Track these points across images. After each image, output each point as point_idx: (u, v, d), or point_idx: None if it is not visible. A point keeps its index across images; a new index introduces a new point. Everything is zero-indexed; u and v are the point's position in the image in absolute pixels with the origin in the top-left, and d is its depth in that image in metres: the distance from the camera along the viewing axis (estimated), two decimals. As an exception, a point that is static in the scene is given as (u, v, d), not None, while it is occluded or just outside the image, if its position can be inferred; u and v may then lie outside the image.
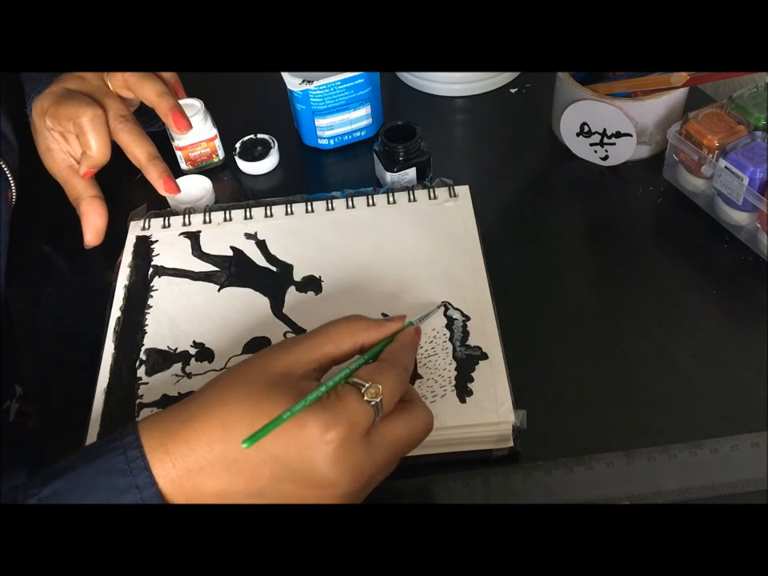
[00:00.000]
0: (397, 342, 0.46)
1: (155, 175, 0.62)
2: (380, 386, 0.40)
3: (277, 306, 0.57)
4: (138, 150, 0.62)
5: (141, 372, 0.53)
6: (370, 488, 0.41)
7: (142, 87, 0.62)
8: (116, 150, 0.62)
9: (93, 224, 0.63)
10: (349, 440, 0.38)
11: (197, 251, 0.61)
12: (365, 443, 0.39)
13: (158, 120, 0.69)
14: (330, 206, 0.63)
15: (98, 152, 0.60)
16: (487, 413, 0.49)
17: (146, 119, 0.66)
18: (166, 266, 0.60)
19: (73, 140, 0.62)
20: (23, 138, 0.65)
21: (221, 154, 0.71)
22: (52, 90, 0.61)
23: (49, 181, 0.65)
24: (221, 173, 0.71)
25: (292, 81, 0.68)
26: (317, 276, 0.58)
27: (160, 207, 0.66)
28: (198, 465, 0.38)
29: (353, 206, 0.63)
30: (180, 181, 0.67)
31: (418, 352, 0.53)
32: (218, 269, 0.60)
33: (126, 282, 0.59)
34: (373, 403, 0.39)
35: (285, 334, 0.55)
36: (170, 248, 0.62)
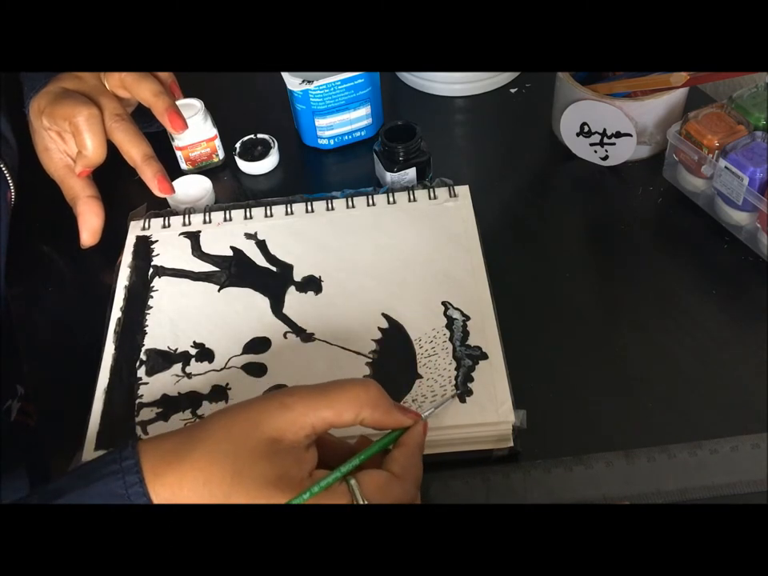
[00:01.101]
0: (407, 449, 0.42)
1: (150, 175, 0.62)
2: (363, 485, 0.38)
3: (277, 306, 0.57)
4: (134, 150, 0.61)
5: (141, 372, 0.53)
6: None
7: (139, 87, 0.62)
8: (116, 150, 0.62)
9: (89, 224, 0.63)
10: None
11: (197, 251, 0.61)
12: None
13: (156, 121, 0.69)
14: (329, 206, 0.63)
15: (93, 151, 0.60)
16: (487, 413, 0.49)
17: (146, 119, 0.66)
18: (166, 266, 0.60)
19: (70, 139, 0.62)
20: (22, 138, 0.65)
21: (221, 154, 0.71)
22: (49, 89, 0.61)
23: (49, 181, 0.65)
24: (221, 173, 0.71)
25: (292, 81, 0.68)
26: (317, 276, 0.58)
27: (160, 207, 0.66)
28: (187, 499, 0.38)
29: (353, 206, 0.63)
30: (180, 181, 0.67)
31: (418, 352, 0.53)
32: (218, 269, 0.60)
33: (126, 283, 0.59)
34: (356, 499, 0.38)
35: (285, 334, 0.55)
36: (170, 248, 0.62)
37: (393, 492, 0.39)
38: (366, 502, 0.38)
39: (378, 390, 0.42)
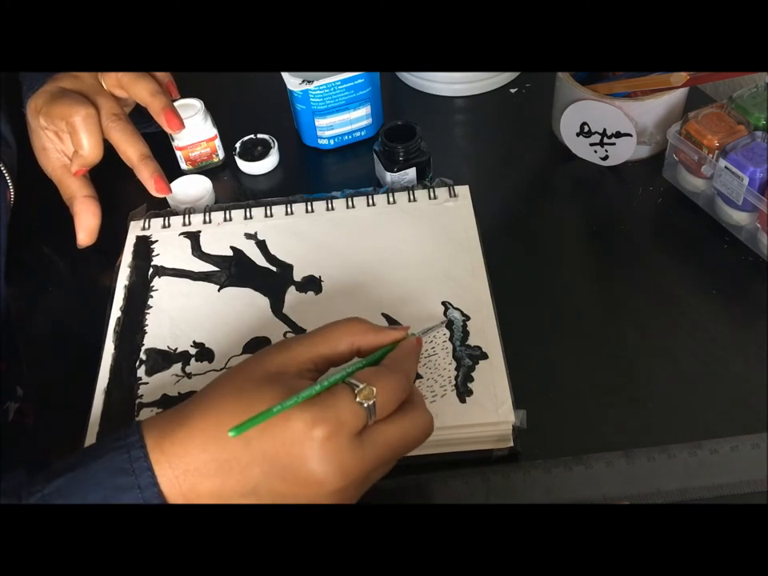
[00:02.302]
0: (400, 350, 0.44)
1: (146, 175, 0.62)
2: (374, 389, 0.39)
3: (277, 306, 0.57)
4: (130, 150, 0.61)
5: (141, 372, 0.53)
6: (364, 488, 0.41)
7: (135, 86, 0.62)
8: (115, 150, 0.62)
9: (86, 223, 0.63)
10: (336, 438, 0.37)
11: (197, 251, 0.61)
12: (355, 443, 0.38)
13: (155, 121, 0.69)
14: (329, 206, 0.63)
15: (89, 151, 0.60)
16: (487, 413, 0.49)
17: (145, 120, 0.66)
18: (166, 266, 0.60)
19: (67, 139, 0.62)
20: (22, 138, 0.65)
21: (221, 154, 0.71)
22: (46, 89, 0.61)
23: (48, 181, 0.65)
24: (221, 173, 0.71)
25: (292, 81, 0.68)
26: (317, 276, 0.58)
27: (160, 207, 0.66)
28: (192, 465, 0.38)
29: (353, 206, 0.63)
30: (180, 181, 0.67)
31: (418, 352, 0.53)
32: (218, 269, 0.60)
33: (126, 282, 0.59)
34: (365, 405, 0.39)
35: (285, 334, 0.55)
36: (170, 248, 0.62)
37: (383, 375, 0.41)
38: (363, 385, 0.39)
39: (362, 320, 0.45)
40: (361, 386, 0.39)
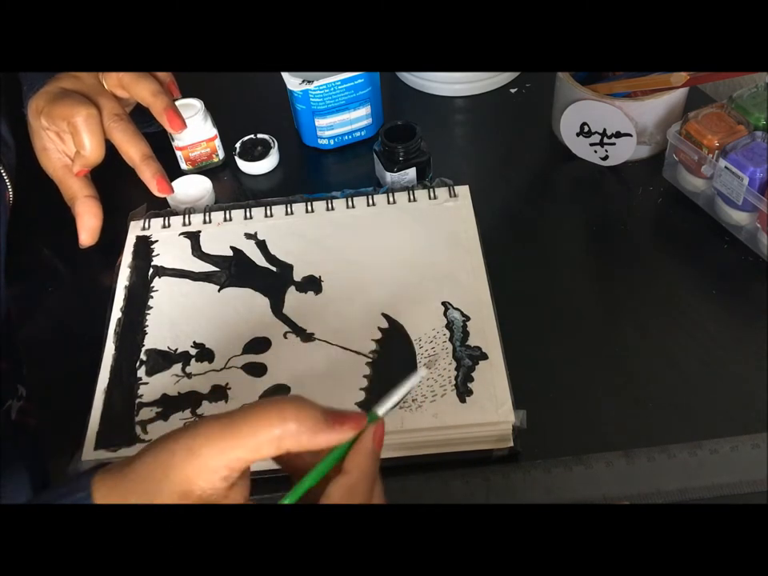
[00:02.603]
0: (360, 465, 0.36)
1: (148, 175, 0.62)
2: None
3: (277, 306, 0.57)
4: (132, 150, 0.61)
5: (141, 372, 0.53)
6: None
7: (137, 86, 0.62)
8: (116, 150, 0.62)
9: (87, 224, 0.63)
10: None
11: (197, 251, 0.61)
12: None
13: (156, 121, 0.69)
14: (329, 206, 0.63)
15: (91, 151, 0.60)
16: (487, 413, 0.49)
17: (146, 119, 0.66)
18: (166, 266, 0.60)
19: (68, 139, 0.62)
20: (21, 138, 0.65)
21: (221, 154, 0.71)
22: (47, 89, 0.61)
23: (47, 181, 0.65)
24: (221, 173, 0.71)
25: (292, 81, 0.68)
26: (317, 276, 0.58)
27: (160, 207, 0.66)
28: None
29: (353, 206, 0.63)
30: (180, 181, 0.67)
31: (418, 352, 0.53)
32: (218, 269, 0.60)
33: (127, 283, 0.59)
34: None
35: (285, 334, 0.55)
36: (170, 248, 0.62)
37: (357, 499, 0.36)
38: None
39: (296, 413, 0.34)
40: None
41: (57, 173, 0.64)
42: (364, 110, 0.71)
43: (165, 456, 0.34)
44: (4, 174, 0.61)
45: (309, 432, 0.34)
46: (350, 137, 0.72)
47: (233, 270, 0.60)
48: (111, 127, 0.61)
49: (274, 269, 0.59)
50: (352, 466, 0.36)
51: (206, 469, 0.34)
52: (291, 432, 0.34)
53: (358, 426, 0.36)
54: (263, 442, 0.34)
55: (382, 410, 0.37)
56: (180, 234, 0.63)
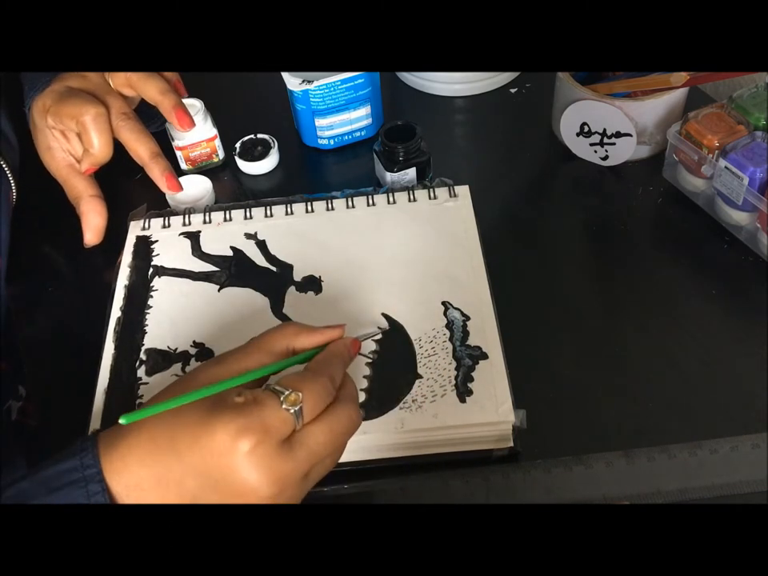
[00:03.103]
0: (327, 352, 0.44)
1: (158, 173, 0.62)
2: (300, 394, 0.39)
3: (277, 306, 0.57)
4: (141, 148, 0.62)
5: (141, 372, 0.53)
6: (304, 488, 0.40)
7: (146, 85, 0.62)
8: (116, 150, 0.62)
9: (92, 223, 0.63)
10: (263, 446, 0.37)
11: (197, 251, 0.61)
12: (283, 448, 0.38)
13: (157, 120, 0.68)
14: (329, 206, 0.63)
15: (100, 150, 0.60)
16: (487, 412, 0.49)
17: (145, 119, 0.66)
18: (166, 266, 0.60)
19: (73, 138, 0.62)
20: (24, 136, 0.65)
21: (221, 154, 0.71)
22: (53, 88, 0.61)
23: (49, 181, 0.65)
24: (221, 173, 0.71)
25: (292, 81, 0.68)
26: (317, 276, 0.58)
27: (160, 207, 0.66)
28: (133, 480, 0.38)
29: (353, 206, 0.63)
30: (180, 180, 0.67)
31: (418, 352, 0.53)
32: (218, 269, 0.60)
33: (126, 282, 0.59)
34: (292, 411, 0.38)
35: (285, 334, 0.55)
36: (170, 248, 0.62)
37: (308, 379, 0.40)
38: (288, 391, 0.39)
39: (296, 323, 0.45)
40: (286, 392, 0.39)
41: (61, 172, 0.64)
42: (364, 110, 0.71)
43: (184, 376, 0.42)
44: (8, 172, 0.61)
45: (306, 332, 0.44)
46: (350, 137, 0.72)
47: (233, 270, 0.60)
48: (119, 126, 0.61)
49: (274, 269, 0.59)
50: (313, 363, 0.43)
51: (229, 372, 0.41)
52: (294, 332, 0.44)
53: (341, 327, 0.46)
54: (275, 343, 0.43)
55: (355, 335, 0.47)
56: (180, 234, 0.63)
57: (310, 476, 0.40)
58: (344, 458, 0.50)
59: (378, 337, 0.54)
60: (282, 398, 0.39)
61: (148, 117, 0.66)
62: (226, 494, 0.38)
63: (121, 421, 0.37)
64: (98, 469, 0.38)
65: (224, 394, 0.39)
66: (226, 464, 0.37)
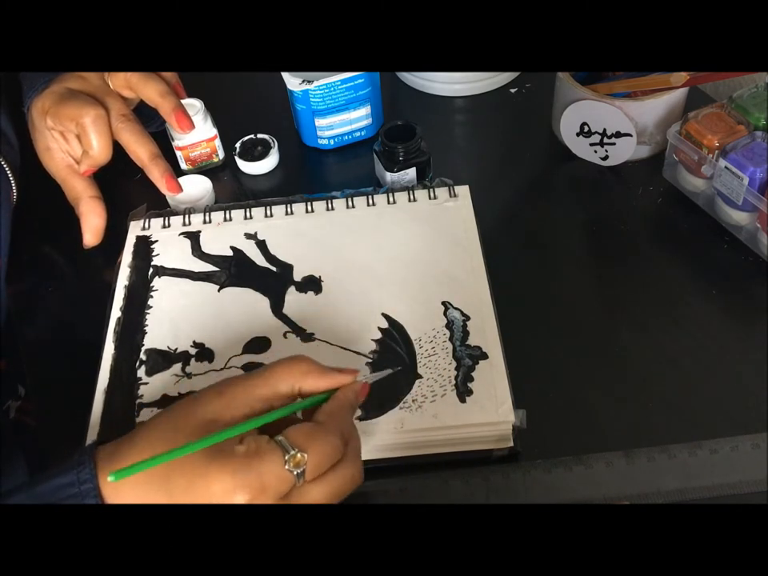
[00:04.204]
0: (337, 402, 0.42)
1: (157, 174, 0.62)
2: (306, 455, 0.37)
3: (277, 306, 0.57)
4: (141, 150, 0.62)
5: (141, 372, 0.53)
6: None
7: (145, 87, 0.62)
8: (116, 151, 0.62)
9: (92, 224, 0.63)
10: (259, 502, 0.36)
11: (197, 251, 0.61)
12: (275, 501, 0.37)
13: (155, 121, 0.68)
14: (329, 206, 0.63)
15: (99, 152, 0.60)
16: (487, 412, 0.49)
17: (144, 120, 0.66)
18: (166, 266, 0.60)
19: (72, 139, 0.62)
20: (24, 137, 0.65)
21: (221, 154, 0.71)
22: (53, 89, 0.61)
23: (49, 181, 0.65)
24: (221, 173, 0.71)
25: (292, 81, 0.68)
26: (317, 276, 0.58)
27: (160, 207, 0.66)
28: (126, 501, 0.37)
29: (353, 206, 0.63)
30: (180, 181, 0.67)
31: (418, 352, 0.53)
32: (218, 269, 0.60)
33: (126, 282, 0.59)
34: (295, 473, 0.37)
35: (285, 334, 0.55)
36: (170, 248, 0.62)
37: (317, 439, 0.38)
38: (294, 451, 0.37)
39: (307, 360, 0.43)
40: (292, 451, 0.37)
41: (60, 173, 0.64)
42: (364, 110, 0.71)
43: (193, 398, 0.40)
44: (8, 173, 0.61)
45: (317, 373, 0.42)
46: (350, 137, 0.72)
47: (233, 270, 0.60)
48: (119, 128, 0.61)
49: (274, 269, 0.59)
50: (323, 416, 0.41)
51: (231, 405, 0.39)
52: (304, 372, 0.41)
53: (354, 373, 0.43)
54: (281, 381, 0.41)
55: (362, 377, 0.45)
56: (180, 234, 0.63)
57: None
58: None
59: (379, 338, 0.54)
60: (286, 458, 0.37)
61: (147, 117, 0.66)
62: None
63: (109, 478, 0.35)
64: (95, 485, 0.37)
65: (232, 444, 0.38)
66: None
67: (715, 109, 0.61)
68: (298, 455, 0.37)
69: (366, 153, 0.70)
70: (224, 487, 0.36)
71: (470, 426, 0.49)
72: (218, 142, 0.70)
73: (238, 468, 0.36)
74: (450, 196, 0.63)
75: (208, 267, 0.60)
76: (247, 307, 0.57)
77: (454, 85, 0.77)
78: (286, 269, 0.59)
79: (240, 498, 0.36)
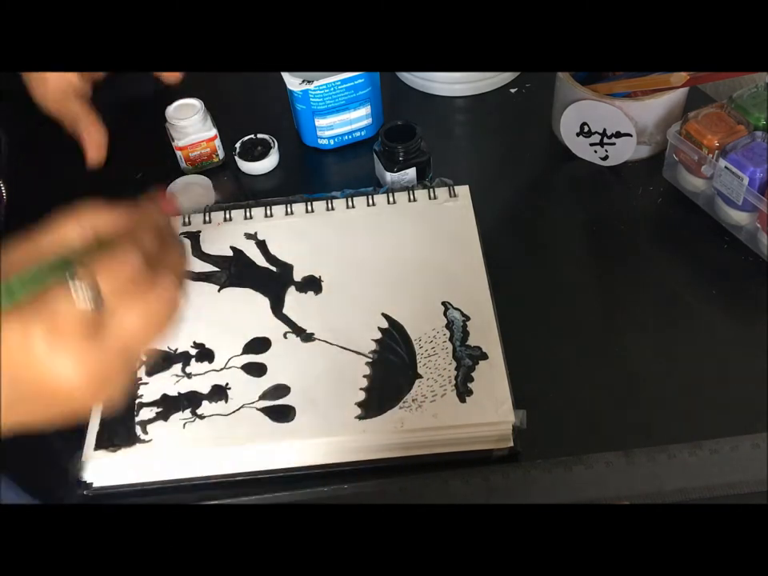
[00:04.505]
0: (130, 220, 0.37)
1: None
2: (94, 275, 0.34)
3: (277, 306, 0.57)
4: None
5: (141, 372, 0.53)
6: (115, 382, 0.36)
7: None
8: (116, 151, 0.62)
9: (95, 139, 0.62)
10: (57, 333, 0.33)
11: (197, 251, 0.61)
12: (81, 335, 0.33)
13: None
14: (329, 206, 0.63)
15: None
16: (487, 412, 0.49)
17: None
18: (166, 265, 0.60)
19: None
20: (15, 134, 0.65)
21: (221, 154, 0.71)
22: None
23: (48, 181, 0.65)
24: (221, 173, 0.71)
25: (292, 81, 0.68)
26: (317, 276, 0.58)
27: (160, 207, 0.66)
28: None
29: (353, 206, 0.63)
30: (180, 181, 0.67)
31: (418, 352, 0.53)
32: (218, 269, 0.60)
33: (126, 282, 0.59)
34: (84, 295, 0.33)
35: (285, 334, 0.55)
36: (170, 248, 0.61)
37: (106, 260, 0.35)
38: (79, 276, 0.33)
39: (100, 204, 0.37)
40: (75, 274, 0.33)
41: (55, 97, 0.62)
42: (364, 110, 0.71)
43: None
44: None
45: (108, 207, 0.37)
46: (350, 137, 0.72)
47: (233, 270, 0.60)
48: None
49: (274, 269, 0.59)
50: (114, 237, 0.36)
51: (17, 266, 0.34)
52: (94, 213, 0.37)
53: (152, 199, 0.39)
54: (69, 228, 0.36)
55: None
56: (180, 234, 0.63)
57: (117, 369, 0.36)
58: (344, 458, 0.50)
59: (379, 338, 0.54)
60: (72, 282, 0.33)
61: None
62: (39, 396, 0.34)
63: None
64: None
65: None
66: (22, 360, 0.33)
67: (715, 109, 0.61)
68: (84, 278, 0.34)
69: (366, 153, 0.70)
70: (18, 326, 0.33)
71: (469, 425, 0.49)
72: (218, 142, 0.70)
73: (27, 307, 0.33)
74: (450, 196, 0.63)
75: (208, 267, 0.60)
76: (247, 307, 0.57)
77: (454, 85, 0.77)
78: (286, 269, 0.59)
79: (37, 332, 0.33)
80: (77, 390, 0.34)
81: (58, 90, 0.62)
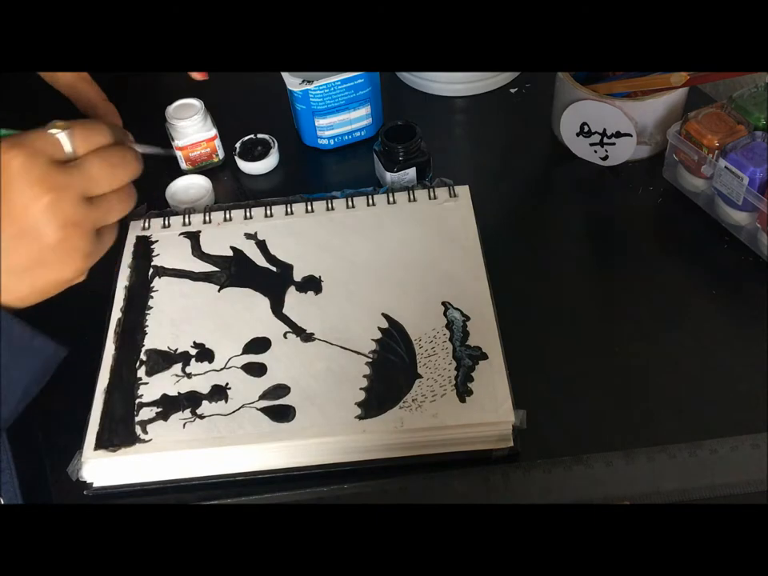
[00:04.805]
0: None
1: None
2: (69, 123, 0.42)
3: (277, 306, 0.57)
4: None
5: (141, 372, 0.53)
6: (91, 216, 0.43)
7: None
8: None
9: (112, 121, 0.61)
10: (34, 160, 0.40)
11: (197, 251, 0.61)
12: (57, 165, 0.41)
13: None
14: (329, 206, 0.63)
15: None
16: (487, 412, 0.49)
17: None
18: (166, 266, 0.60)
19: None
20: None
21: (221, 154, 0.71)
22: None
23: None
24: (221, 173, 0.71)
25: (292, 81, 0.68)
26: (317, 276, 0.58)
27: (160, 207, 0.66)
28: None
29: (353, 206, 0.63)
30: (180, 181, 0.67)
31: (418, 352, 0.53)
32: (218, 269, 0.60)
33: (127, 283, 0.59)
34: (57, 133, 0.41)
35: (285, 334, 0.55)
36: (170, 248, 0.62)
37: (76, 122, 0.43)
38: (56, 122, 0.42)
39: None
40: (55, 123, 0.42)
41: (69, 80, 0.61)
42: (364, 110, 0.71)
43: None
44: None
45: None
46: (350, 137, 0.72)
47: (233, 270, 0.60)
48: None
49: (274, 269, 0.59)
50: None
51: None
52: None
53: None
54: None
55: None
56: (180, 234, 0.63)
57: (95, 207, 0.43)
58: (344, 458, 0.50)
59: (379, 338, 0.54)
60: (48, 125, 0.41)
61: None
62: (10, 218, 0.40)
63: None
64: None
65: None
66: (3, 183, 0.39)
67: (715, 109, 0.61)
68: (59, 122, 0.42)
69: (365, 153, 0.70)
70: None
71: (469, 425, 0.49)
72: (217, 142, 0.70)
73: (7, 141, 0.40)
74: (450, 196, 0.63)
75: (208, 267, 0.60)
76: (247, 307, 0.57)
77: (454, 85, 0.77)
78: (286, 269, 0.59)
79: (14, 156, 0.39)
80: (37, 205, 0.40)
81: (72, 73, 0.62)
